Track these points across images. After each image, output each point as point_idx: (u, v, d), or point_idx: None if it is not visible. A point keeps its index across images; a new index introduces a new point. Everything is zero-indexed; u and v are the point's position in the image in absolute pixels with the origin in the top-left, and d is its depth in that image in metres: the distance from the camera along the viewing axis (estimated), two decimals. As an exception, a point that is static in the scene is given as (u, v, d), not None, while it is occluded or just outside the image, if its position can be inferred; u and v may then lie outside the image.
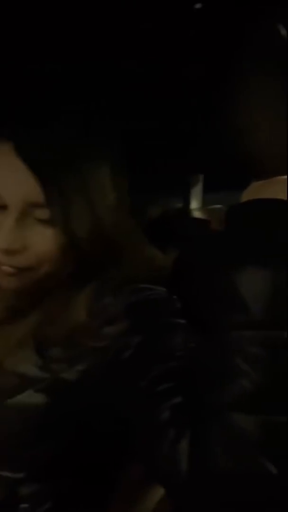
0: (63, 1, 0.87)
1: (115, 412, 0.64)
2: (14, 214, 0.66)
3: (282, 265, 0.55)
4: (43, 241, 0.67)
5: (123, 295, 0.67)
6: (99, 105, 0.74)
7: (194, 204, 2.69)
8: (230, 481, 0.52)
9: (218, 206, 1.53)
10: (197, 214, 2.64)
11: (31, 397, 0.66)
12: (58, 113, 0.69)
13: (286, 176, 0.62)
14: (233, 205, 0.61)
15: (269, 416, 0.52)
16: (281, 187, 0.60)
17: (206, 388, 0.56)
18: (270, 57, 0.83)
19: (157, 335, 0.64)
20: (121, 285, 0.68)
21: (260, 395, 0.53)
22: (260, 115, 0.79)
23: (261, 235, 0.57)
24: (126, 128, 0.74)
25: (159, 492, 0.75)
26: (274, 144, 0.87)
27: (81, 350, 0.66)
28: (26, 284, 0.70)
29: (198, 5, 0.93)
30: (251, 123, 0.75)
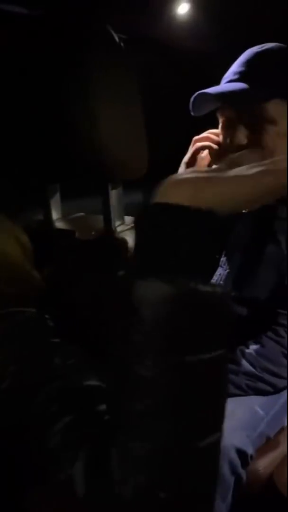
0: None
1: (12, 440, 0.61)
2: None
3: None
4: None
5: None
6: None
7: (55, 214, 2.63)
8: (125, 508, 0.52)
9: (81, 214, 1.52)
10: (60, 224, 2.59)
11: None
12: None
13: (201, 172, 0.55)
14: (142, 209, 0.54)
15: (160, 442, 0.51)
16: (188, 187, 0.53)
17: (93, 405, 0.54)
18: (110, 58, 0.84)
19: (32, 360, 0.63)
20: None
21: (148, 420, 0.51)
22: (107, 112, 0.79)
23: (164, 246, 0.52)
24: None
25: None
26: (125, 146, 0.88)
27: None
28: None
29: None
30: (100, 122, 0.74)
